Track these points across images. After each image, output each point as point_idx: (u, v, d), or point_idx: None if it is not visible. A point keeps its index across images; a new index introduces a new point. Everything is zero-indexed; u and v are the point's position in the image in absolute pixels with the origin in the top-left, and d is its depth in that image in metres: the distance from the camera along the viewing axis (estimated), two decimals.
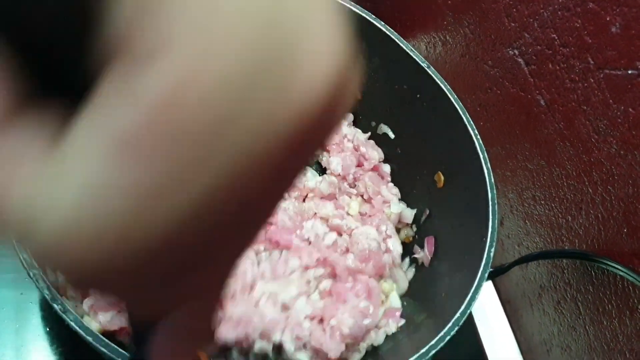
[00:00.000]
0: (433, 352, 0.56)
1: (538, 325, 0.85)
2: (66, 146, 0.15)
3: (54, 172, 0.15)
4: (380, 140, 0.89)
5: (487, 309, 0.91)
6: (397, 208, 0.85)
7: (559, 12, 0.72)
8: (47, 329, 0.67)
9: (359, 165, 0.86)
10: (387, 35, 0.79)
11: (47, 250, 0.15)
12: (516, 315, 0.90)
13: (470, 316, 0.88)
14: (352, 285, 0.74)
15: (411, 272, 0.80)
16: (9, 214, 0.15)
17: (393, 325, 0.73)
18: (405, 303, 0.77)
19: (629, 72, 0.64)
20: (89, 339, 0.46)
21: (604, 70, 0.67)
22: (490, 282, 0.94)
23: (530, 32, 0.77)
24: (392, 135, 0.87)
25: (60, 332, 0.67)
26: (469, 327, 0.87)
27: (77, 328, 0.47)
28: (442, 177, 0.79)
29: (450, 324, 0.58)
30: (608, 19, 0.65)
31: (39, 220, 0.14)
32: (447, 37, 0.95)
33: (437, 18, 0.96)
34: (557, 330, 0.81)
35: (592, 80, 0.69)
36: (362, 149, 0.86)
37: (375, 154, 0.86)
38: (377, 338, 0.71)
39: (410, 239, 0.83)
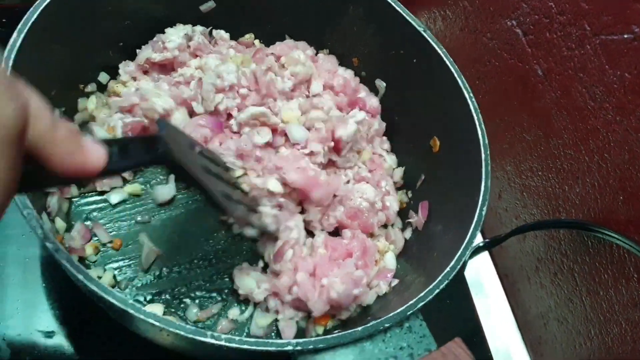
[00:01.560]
0: (421, 304, 0.56)
1: (535, 298, 0.84)
2: None
3: None
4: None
5: (484, 283, 0.91)
6: (392, 161, 0.86)
7: None
8: (45, 284, 0.68)
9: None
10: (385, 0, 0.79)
11: None
12: (513, 289, 0.89)
13: (467, 290, 0.88)
14: (348, 242, 0.74)
15: (409, 233, 0.80)
16: None
17: (384, 286, 0.73)
18: (398, 265, 0.77)
19: (625, 36, 0.63)
20: (80, 276, 0.47)
21: (600, 36, 0.66)
22: (487, 256, 0.93)
23: (527, 2, 0.76)
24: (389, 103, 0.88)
25: (56, 286, 0.68)
26: (466, 301, 0.87)
27: (67, 265, 0.47)
28: (438, 142, 0.79)
29: (440, 277, 0.58)
30: None
31: None
32: (447, 12, 0.95)
33: None
34: (553, 303, 0.80)
35: (589, 47, 0.68)
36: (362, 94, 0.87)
37: (374, 101, 0.86)
38: (367, 299, 0.71)
39: (405, 204, 0.83)
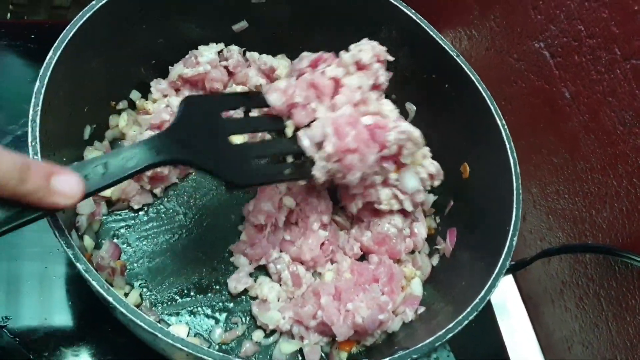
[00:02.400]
0: (449, 335, 0.55)
1: (559, 321, 0.83)
2: None
3: None
4: None
5: (508, 305, 0.90)
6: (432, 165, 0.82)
7: (586, 3, 0.71)
8: (70, 302, 0.69)
9: None
10: (417, 23, 0.79)
11: None
12: (537, 312, 0.89)
13: (492, 312, 0.87)
14: (375, 267, 0.74)
15: (436, 259, 0.80)
16: None
17: (410, 313, 0.73)
18: (425, 292, 0.77)
19: None
20: (109, 298, 0.47)
21: (631, 60, 0.66)
22: (511, 278, 0.93)
23: (556, 24, 0.76)
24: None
25: (81, 304, 0.68)
26: (491, 324, 0.86)
27: (97, 287, 0.48)
28: (468, 168, 0.78)
29: (469, 309, 0.58)
30: (636, 8, 0.64)
31: None
32: (473, 31, 0.95)
33: (463, 12, 0.96)
34: (578, 326, 0.79)
35: (619, 71, 0.68)
36: None
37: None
38: (392, 325, 0.70)
39: (433, 230, 0.83)
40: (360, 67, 0.72)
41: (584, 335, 0.79)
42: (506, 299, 0.90)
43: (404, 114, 0.88)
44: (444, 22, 1.02)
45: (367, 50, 0.72)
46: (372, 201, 0.76)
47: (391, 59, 0.75)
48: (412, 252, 0.81)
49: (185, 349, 0.48)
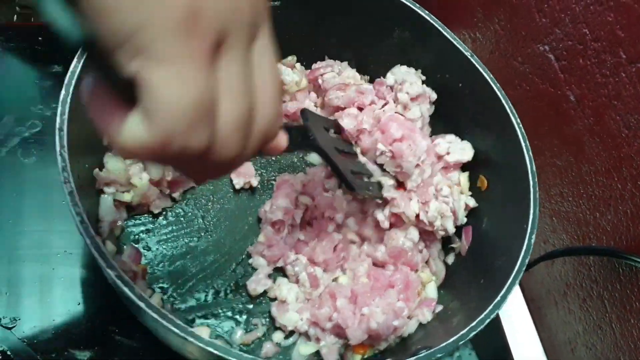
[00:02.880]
0: (473, 334, 0.56)
1: (562, 323, 0.84)
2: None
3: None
4: None
5: (511, 307, 0.90)
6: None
7: (591, 7, 0.71)
8: (78, 304, 0.69)
9: None
10: (431, 23, 0.80)
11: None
12: (540, 314, 0.89)
13: (497, 315, 0.87)
14: (391, 274, 0.74)
15: (451, 258, 0.80)
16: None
17: (428, 313, 0.73)
18: (441, 291, 0.78)
19: None
20: (142, 304, 0.48)
21: (636, 64, 0.66)
22: None
23: (561, 28, 0.77)
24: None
25: (91, 306, 0.69)
26: (495, 325, 0.86)
27: (129, 293, 0.48)
28: (485, 181, 0.79)
29: (491, 307, 0.59)
30: None
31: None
32: (477, 34, 0.95)
33: (467, 15, 0.97)
34: (582, 328, 0.80)
35: (624, 75, 0.68)
36: None
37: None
38: (408, 329, 0.71)
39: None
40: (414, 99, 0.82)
41: (588, 337, 0.79)
42: (509, 301, 0.90)
43: None
44: (449, 25, 1.02)
45: (415, 82, 0.82)
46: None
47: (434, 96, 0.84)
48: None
49: (217, 352, 0.48)
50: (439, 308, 0.74)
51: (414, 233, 0.77)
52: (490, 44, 0.92)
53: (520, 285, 0.93)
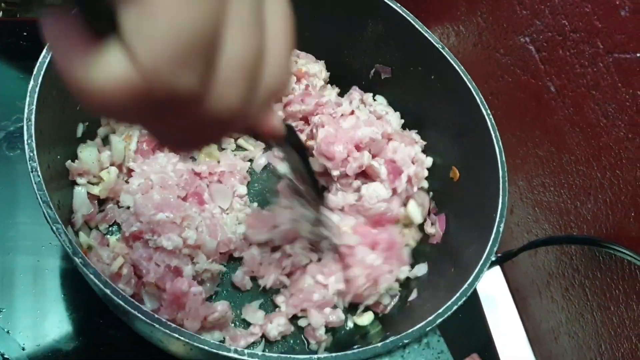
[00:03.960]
0: (439, 320, 0.57)
1: (546, 312, 0.85)
2: None
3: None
4: None
5: (496, 298, 0.91)
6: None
7: None
8: (64, 295, 0.69)
9: None
10: (403, 16, 0.80)
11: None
12: (524, 304, 0.90)
13: (480, 304, 0.88)
14: (377, 232, 0.77)
15: (427, 248, 0.82)
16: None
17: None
18: (416, 280, 0.79)
19: (638, 55, 0.64)
20: (107, 290, 0.48)
21: (613, 54, 0.67)
22: (499, 271, 0.94)
23: (541, 19, 0.77)
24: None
25: (75, 297, 0.69)
26: (478, 315, 0.87)
27: (96, 280, 0.48)
28: (457, 172, 0.80)
29: (458, 294, 0.59)
30: (617, 2, 0.65)
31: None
32: (461, 27, 0.96)
33: (450, 8, 0.97)
34: (564, 317, 0.81)
35: (602, 65, 0.69)
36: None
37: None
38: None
39: None
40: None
41: (570, 325, 0.80)
42: (494, 291, 0.91)
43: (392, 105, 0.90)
44: (432, 19, 1.03)
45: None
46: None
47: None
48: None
49: (182, 338, 0.48)
50: (414, 296, 0.75)
51: (379, 189, 0.79)
52: (473, 37, 0.93)
53: (505, 275, 0.94)
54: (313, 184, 0.64)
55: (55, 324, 0.68)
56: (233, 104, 0.28)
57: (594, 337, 0.75)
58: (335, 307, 0.75)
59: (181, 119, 0.28)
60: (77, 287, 0.70)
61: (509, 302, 0.92)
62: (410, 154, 0.82)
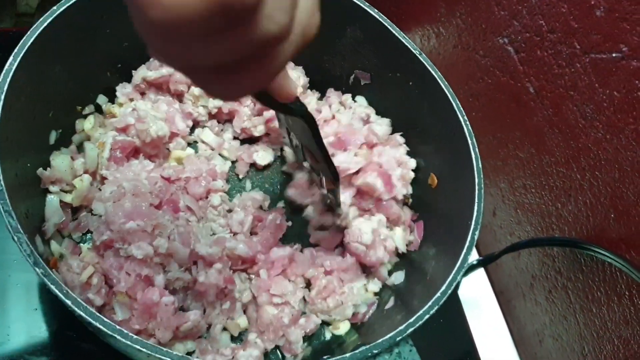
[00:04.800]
0: (410, 330, 0.56)
1: (530, 315, 0.84)
2: None
3: None
4: None
5: (480, 300, 0.91)
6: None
7: None
8: (35, 309, 0.68)
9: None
10: (380, 22, 0.80)
11: None
12: (509, 306, 0.89)
13: (461, 309, 0.87)
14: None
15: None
16: None
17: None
18: (392, 287, 0.78)
19: (613, 55, 0.63)
20: (68, 302, 0.47)
21: (590, 54, 0.67)
22: (483, 274, 0.93)
23: (519, 20, 0.77)
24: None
25: (48, 311, 0.68)
26: (460, 321, 0.86)
27: (57, 291, 0.47)
28: (436, 179, 0.79)
29: (430, 303, 0.58)
30: (592, 2, 0.65)
31: None
32: (441, 29, 0.95)
33: (430, 10, 0.97)
34: (548, 319, 0.80)
35: (579, 65, 0.68)
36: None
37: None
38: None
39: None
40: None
41: (554, 328, 0.79)
42: (479, 294, 0.91)
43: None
44: (413, 21, 1.03)
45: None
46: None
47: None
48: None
49: (144, 350, 0.48)
50: (390, 304, 0.74)
51: (364, 227, 0.78)
52: (453, 39, 0.92)
53: (490, 278, 0.93)
54: (325, 158, 0.64)
55: (26, 339, 0.66)
56: (282, 21, 0.31)
57: (578, 340, 0.74)
58: (304, 313, 0.74)
59: (237, 40, 0.30)
60: (50, 301, 0.69)
61: (494, 304, 0.91)
62: (396, 156, 0.81)
